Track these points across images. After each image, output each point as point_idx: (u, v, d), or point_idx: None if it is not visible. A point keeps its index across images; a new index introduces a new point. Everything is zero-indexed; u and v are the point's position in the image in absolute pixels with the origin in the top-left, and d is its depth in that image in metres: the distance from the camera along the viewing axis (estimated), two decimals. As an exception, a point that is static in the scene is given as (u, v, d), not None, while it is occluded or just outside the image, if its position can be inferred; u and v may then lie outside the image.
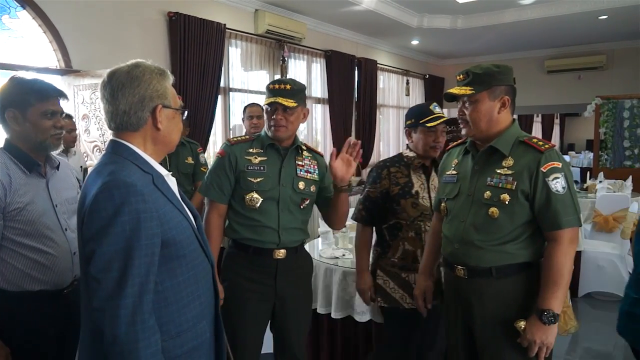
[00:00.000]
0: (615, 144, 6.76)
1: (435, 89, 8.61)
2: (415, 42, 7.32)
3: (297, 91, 1.92)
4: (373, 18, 5.78)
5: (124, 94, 1.17)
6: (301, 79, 5.97)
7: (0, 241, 1.57)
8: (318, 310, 2.51)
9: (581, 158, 12.55)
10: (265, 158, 1.95)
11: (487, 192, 1.61)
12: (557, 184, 1.52)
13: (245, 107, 3.87)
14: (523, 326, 1.54)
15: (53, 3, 3.53)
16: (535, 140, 1.62)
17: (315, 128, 6.28)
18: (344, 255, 2.63)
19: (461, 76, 1.67)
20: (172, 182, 1.25)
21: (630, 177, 5.55)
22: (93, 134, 3.65)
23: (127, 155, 1.18)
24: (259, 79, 5.34)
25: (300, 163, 1.99)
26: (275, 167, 1.94)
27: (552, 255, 1.53)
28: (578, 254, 4.05)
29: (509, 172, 1.59)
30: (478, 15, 6.20)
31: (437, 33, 6.63)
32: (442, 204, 1.80)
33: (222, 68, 4.73)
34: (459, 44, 7.36)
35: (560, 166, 1.54)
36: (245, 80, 5.21)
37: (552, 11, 5.80)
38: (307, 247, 2.82)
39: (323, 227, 2.84)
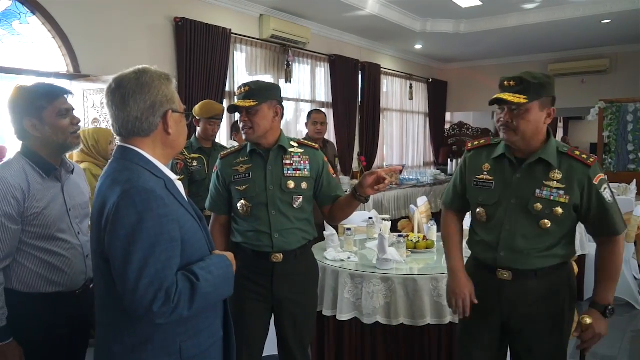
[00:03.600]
0: (619, 148, 6.76)
1: (438, 93, 8.64)
2: (418, 47, 7.36)
3: (257, 90, 1.90)
4: (376, 23, 5.82)
5: (135, 101, 1.18)
6: (305, 83, 6.01)
7: (17, 244, 1.59)
8: (324, 313, 2.52)
9: (585, 162, 12.51)
10: (250, 165, 1.97)
11: (538, 204, 1.64)
12: (607, 194, 1.62)
13: (310, 113, 4.05)
14: (589, 321, 1.63)
15: (62, 9, 3.59)
16: (577, 152, 1.66)
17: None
18: (349, 258, 2.65)
19: (512, 82, 1.62)
20: (180, 186, 1.29)
21: (635, 180, 5.55)
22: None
23: (137, 160, 1.20)
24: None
25: (287, 162, 1.97)
26: (260, 172, 1.95)
27: (611, 257, 1.66)
28: (582, 258, 4.04)
29: (561, 185, 1.63)
30: (481, 20, 6.23)
31: (440, 37, 6.67)
32: (479, 209, 1.78)
33: (228, 72, 4.79)
34: (462, 48, 7.39)
35: (605, 177, 1.65)
36: (250, 84, 5.25)
37: (556, 15, 5.83)
38: (313, 250, 2.83)
39: (328, 230, 2.86)
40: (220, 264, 1.24)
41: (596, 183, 1.60)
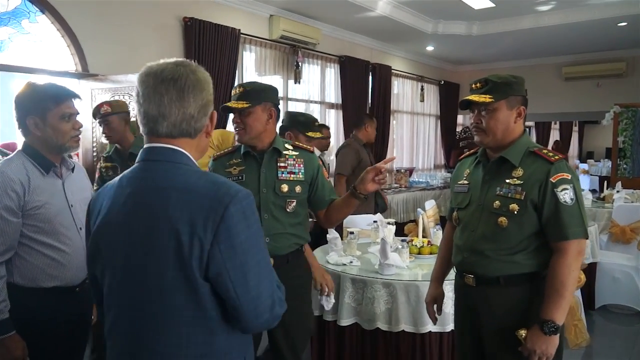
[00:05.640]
0: (634, 153, 6.63)
1: (450, 95, 8.55)
2: (430, 48, 7.29)
3: (251, 92, 1.88)
4: (387, 24, 5.77)
5: (195, 97, 1.07)
6: (315, 84, 5.99)
7: (19, 238, 1.63)
8: (324, 317, 2.49)
9: (600, 166, 12.32)
10: (244, 167, 1.94)
11: (497, 202, 1.63)
12: (566, 195, 1.54)
13: (372, 117, 4.51)
14: (524, 335, 1.54)
15: (71, 8, 3.61)
16: (545, 151, 1.63)
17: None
18: (351, 262, 2.62)
19: (478, 84, 1.68)
20: None
21: (650, 187, 5.43)
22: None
23: (192, 165, 1.09)
24: (273, 84, 5.35)
25: (282, 165, 1.94)
26: (254, 174, 1.92)
27: (556, 266, 1.53)
28: (593, 266, 3.95)
29: (518, 182, 1.60)
30: (494, 22, 6.14)
31: (452, 39, 6.60)
32: (454, 213, 1.83)
33: (237, 73, 4.78)
34: (474, 50, 7.30)
35: (569, 177, 1.55)
36: (259, 85, 5.24)
37: (571, 17, 5.72)
38: (316, 253, 2.80)
39: (331, 233, 2.83)
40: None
41: (553, 181, 1.54)
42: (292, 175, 1.94)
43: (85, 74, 3.72)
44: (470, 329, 1.74)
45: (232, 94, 1.92)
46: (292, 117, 2.57)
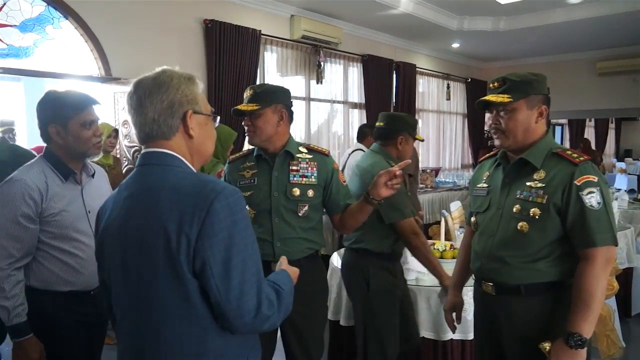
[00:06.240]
0: (674, 151, 6.29)
1: (477, 93, 8.32)
2: (455, 45, 7.12)
3: (262, 94, 1.85)
4: (411, 21, 5.66)
5: (151, 101, 1.09)
6: (337, 84, 5.92)
7: (37, 244, 1.65)
8: (341, 323, 2.45)
9: (638, 165, 11.79)
10: (256, 170, 1.92)
11: (517, 206, 1.54)
12: (592, 198, 1.43)
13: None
14: (548, 348, 1.45)
15: (94, 13, 3.67)
16: (569, 152, 1.53)
17: (351, 134, 6.21)
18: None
19: (496, 83, 1.61)
20: None
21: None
22: (134, 139, 3.76)
23: (179, 163, 1.11)
24: (295, 85, 5.33)
25: (294, 168, 1.89)
26: (265, 178, 1.89)
27: (583, 275, 1.43)
28: (629, 271, 3.75)
29: (540, 185, 1.51)
30: (522, 16, 5.94)
31: (478, 35, 6.42)
32: (473, 218, 1.75)
33: (258, 74, 4.77)
34: (502, 46, 7.09)
35: (595, 180, 1.45)
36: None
37: (604, 10, 5.46)
38: (333, 256, 2.75)
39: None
40: (286, 279, 1.19)
41: (578, 184, 1.44)
42: (304, 179, 1.89)
43: (108, 77, 3.78)
44: (490, 339, 1.65)
45: (244, 96, 1.90)
46: (403, 119, 2.35)
